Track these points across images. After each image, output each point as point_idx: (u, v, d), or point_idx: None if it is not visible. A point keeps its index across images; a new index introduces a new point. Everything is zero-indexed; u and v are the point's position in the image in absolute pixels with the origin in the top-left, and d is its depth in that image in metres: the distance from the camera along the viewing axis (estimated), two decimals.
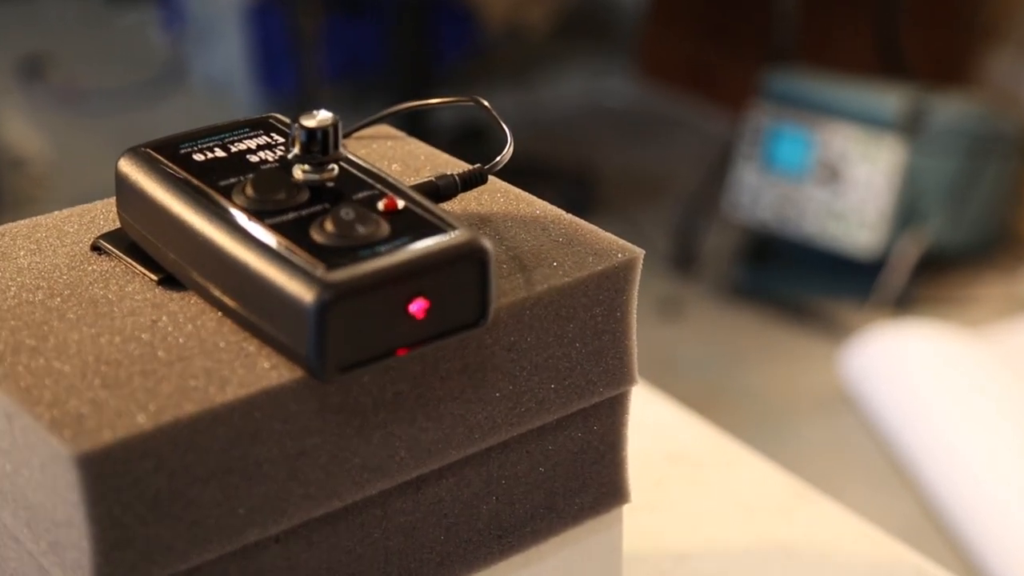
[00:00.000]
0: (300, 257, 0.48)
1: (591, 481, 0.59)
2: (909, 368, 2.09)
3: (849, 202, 2.43)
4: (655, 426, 0.85)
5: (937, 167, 2.45)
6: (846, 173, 2.44)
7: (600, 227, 0.59)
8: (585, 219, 0.59)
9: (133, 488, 0.46)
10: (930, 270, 2.50)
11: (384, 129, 0.66)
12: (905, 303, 2.44)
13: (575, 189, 2.75)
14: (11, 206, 2.66)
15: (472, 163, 0.60)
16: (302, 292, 0.47)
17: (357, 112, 3.18)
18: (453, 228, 0.50)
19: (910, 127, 2.42)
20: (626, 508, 0.62)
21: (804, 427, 2.19)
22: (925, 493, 1.95)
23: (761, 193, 2.52)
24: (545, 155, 2.77)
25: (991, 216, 2.59)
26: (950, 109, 2.48)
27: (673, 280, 2.55)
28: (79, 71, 3.38)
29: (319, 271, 0.47)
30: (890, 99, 2.45)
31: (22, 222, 0.59)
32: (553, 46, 3.51)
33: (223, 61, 3.27)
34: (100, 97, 3.26)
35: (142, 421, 0.46)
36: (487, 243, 0.50)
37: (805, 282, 2.54)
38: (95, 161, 3.00)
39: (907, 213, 2.44)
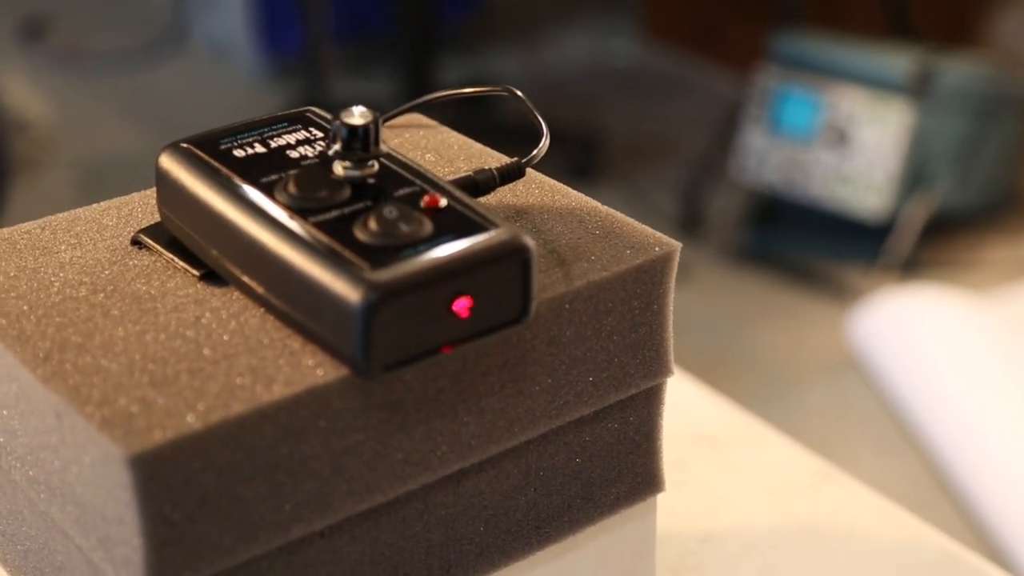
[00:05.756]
0: (345, 256, 0.49)
1: (627, 471, 0.60)
2: (916, 332, 2.09)
3: (857, 165, 2.43)
4: (679, 406, 0.85)
5: (945, 129, 2.44)
6: (854, 136, 2.44)
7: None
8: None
9: (183, 487, 0.47)
10: (937, 233, 2.50)
11: (416, 117, 0.67)
12: (912, 266, 2.44)
13: (580, 151, 2.74)
14: (17, 169, 2.65)
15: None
16: (348, 292, 0.47)
17: (361, 75, 3.17)
18: (495, 226, 0.50)
19: (918, 89, 2.41)
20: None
21: (810, 391, 2.20)
22: (931, 456, 1.96)
23: (768, 156, 2.52)
24: (550, 117, 2.75)
25: (999, 178, 2.59)
26: (958, 71, 2.47)
27: (679, 243, 2.55)
28: (80, 32, 3.37)
29: (365, 271, 0.48)
30: (898, 61, 2.44)
31: (61, 215, 0.59)
32: (558, 6, 3.50)
33: (225, 22, 3.25)
34: (101, 59, 3.25)
35: (192, 421, 0.47)
36: (529, 241, 0.50)
37: (812, 245, 2.54)
38: (98, 123, 3.00)
39: (915, 176, 2.44)
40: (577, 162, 2.72)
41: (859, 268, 2.46)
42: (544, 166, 0.61)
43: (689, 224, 2.61)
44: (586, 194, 0.60)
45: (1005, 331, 2.06)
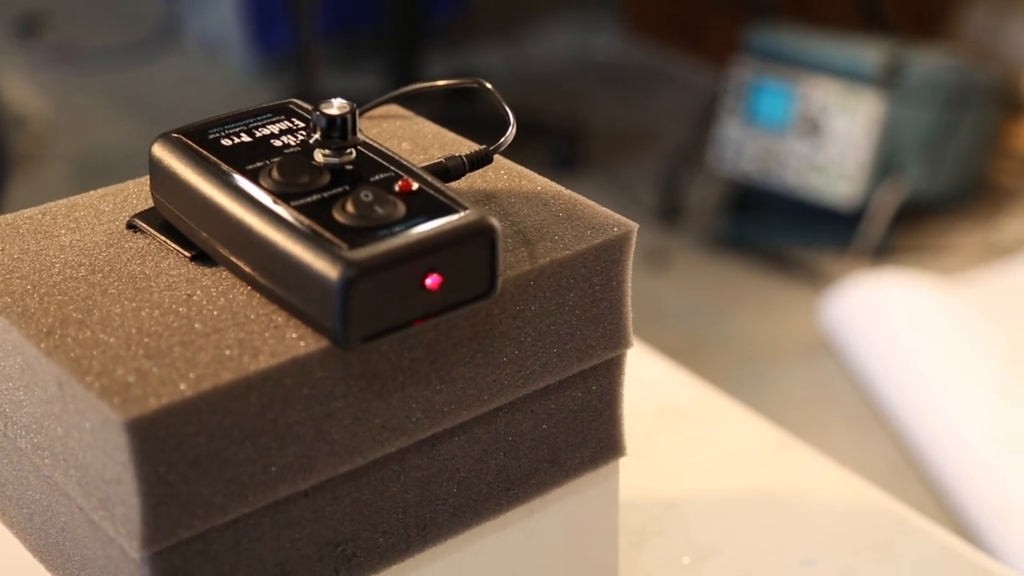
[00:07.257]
0: (325, 237, 0.52)
1: (590, 436, 0.64)
2: (887, 315, 2.13)
3: (829, 154, 2.47)
4: (647, 382, 0.89)
5: (915, 119, 2.48)
6: (826, 126, 2.47)
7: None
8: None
9: (176, 449, 0.50)
10: (908, 219, 2.54)
11: (394, 109, 0.70)
12: (884, 252, 2.48)
13: (563, 143, 2.78)
14: (15, 163, 2.67)
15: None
16: (328, 269, 0.51)
17: (349, 70, 3.20)
18: (464, 208, 0.54)
19: (889, 80, 2.45)
20: (620, 459, 0.66)
21: (786, 373, 2.23)
22: (902, 435, 2.00)
23: (744, 146, 2.56)
24: (533, 110, 2.79)
25: (967, 166, 2.63)
26: (927, 62, 2.51)
27: (659, 231, 2.59)
28: (75, 30, 3.39)
29: (343, 250, 0.51)
30: (869, 53, 2.48)
31: (60, 202, 0.63)
32: (541, 2, 3.53)
33: (217, 20, 3.28)
34: (96, 55, 3.27)
35: (184, 389, 0.50)
36: (495, 222, 0.54)
37: (787, 232, 2.58)
38: (93, 119, 3.03)
39: (886, 164, 2.48)
40: (560, 154, 2.75)
41: (832, 254, 2.50)
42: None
43: (669, 213, 2.64)
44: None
45: (973, 314, 2.09)
